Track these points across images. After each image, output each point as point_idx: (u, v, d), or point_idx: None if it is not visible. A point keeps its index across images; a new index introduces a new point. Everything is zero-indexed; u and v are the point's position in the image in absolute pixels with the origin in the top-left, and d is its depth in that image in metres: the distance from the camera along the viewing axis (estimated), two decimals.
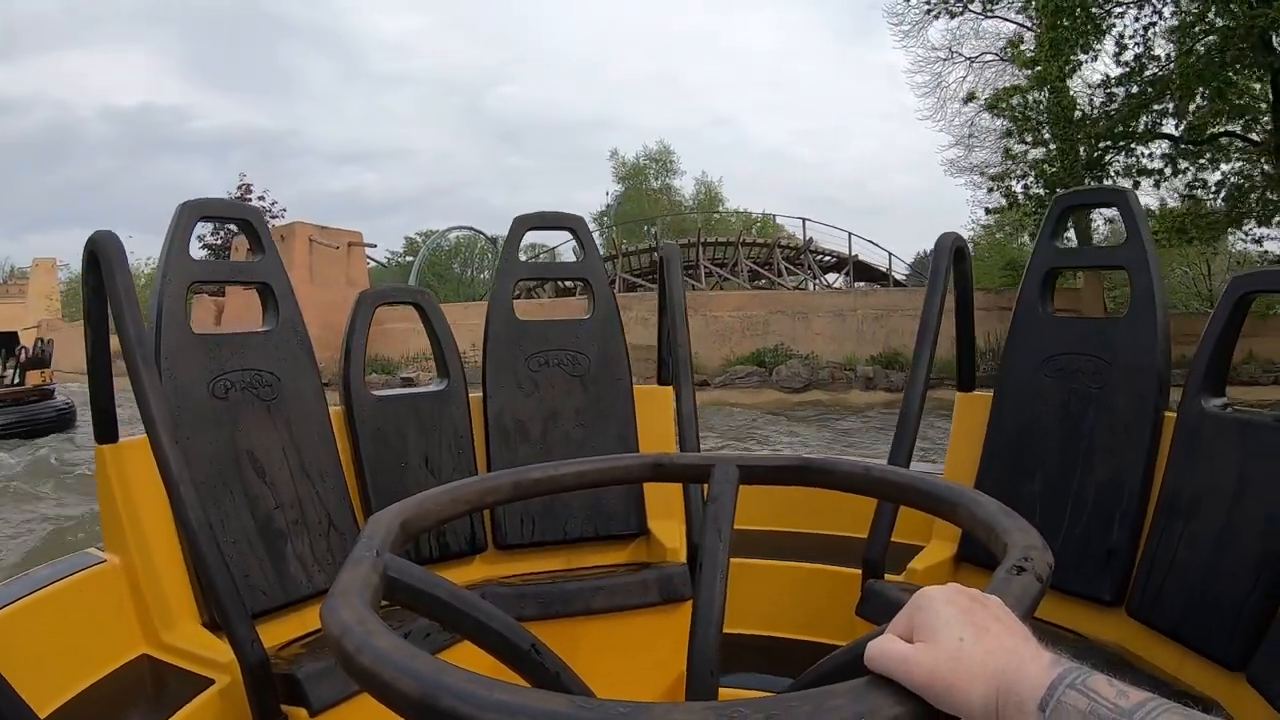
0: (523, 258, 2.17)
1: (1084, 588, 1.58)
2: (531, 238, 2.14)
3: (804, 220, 27.17)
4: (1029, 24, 18.90)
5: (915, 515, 0.98)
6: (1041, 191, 18.00)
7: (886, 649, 0.51)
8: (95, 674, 1.36)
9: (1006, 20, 19.92)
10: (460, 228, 33.63)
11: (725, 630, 0.83)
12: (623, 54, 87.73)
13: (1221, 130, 17.17)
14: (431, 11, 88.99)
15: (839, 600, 1.71)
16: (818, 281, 25.46)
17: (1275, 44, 15.42)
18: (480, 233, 32.83)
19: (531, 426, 2.01)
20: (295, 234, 21.23)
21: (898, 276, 25.99)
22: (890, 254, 25.75)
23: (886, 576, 1.67)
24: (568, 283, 15.43)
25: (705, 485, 0.91)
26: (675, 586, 1.79)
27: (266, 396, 1.66)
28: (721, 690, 0.85)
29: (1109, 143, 17.13)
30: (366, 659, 0.51)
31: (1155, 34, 16.57)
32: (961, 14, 20.17)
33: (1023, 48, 18.36)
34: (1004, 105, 18.18)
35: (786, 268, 25.32)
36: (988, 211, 20.37)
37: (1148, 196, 18.18)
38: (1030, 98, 17.76)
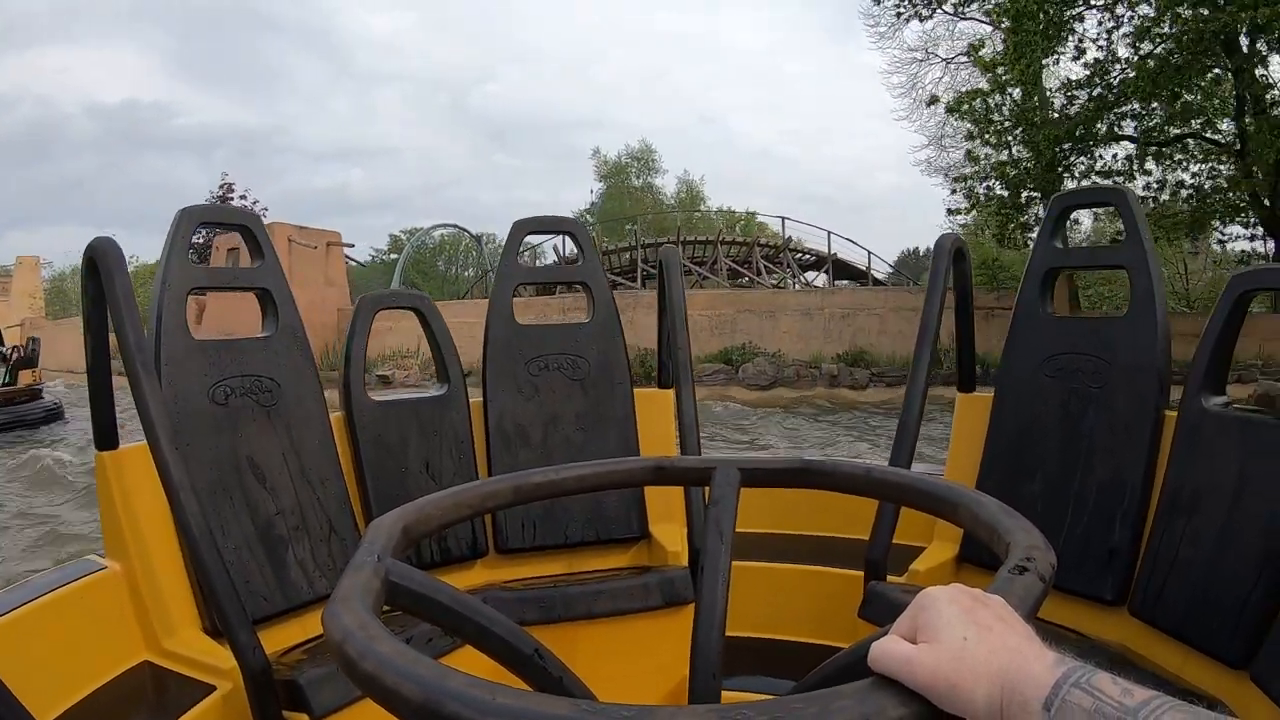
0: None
1: (1086, 587, 1.58)
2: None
3: (783, 219, 27.30)
4: (993, 26, 19.15)
5: (917, 516, 0.97)
6: (1004, 193, 18.35)
7: (890, 650, 0.50)
8: (96, 681, 1.36)
9: (980, 22, 20.17)
10: (444, 225, 33.79)
11: (727, 633, 0.83)
12: (612, 53, 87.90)
13: (1183, 133, 17.44)
14: (418, 9, 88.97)
15: (841, 602, 1.71)
16: (797, 280, 25.45)
17: (1243, 45, 15.62)
18: (465, 230, 32.93)
19: (532, 431, 2.01)
20: (274, 234, 20.94)
21: (877, 275, 25.94)
22: (870, 252, 25.70)
23: (888, 578, 1.67)
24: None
25: (706, 488, 0.91)
26: (677, 590, 1.78)
27: (266, 402, 1.66)
28: (724, 693, 0.85)
29: (1070, 145, 17.35)
30: (369, 664, 0.51)
31: (1118, 38, 16.86)
32: (930, 17, 20.51)
33: (983, 52, 18.64)
34: (966, 108, 18.52)
35: (766, 266, 25.28)
36: (949, 212, 20.63)
37: None
38: (992, 101, 18.07)
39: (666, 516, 2.01)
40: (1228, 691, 1.30)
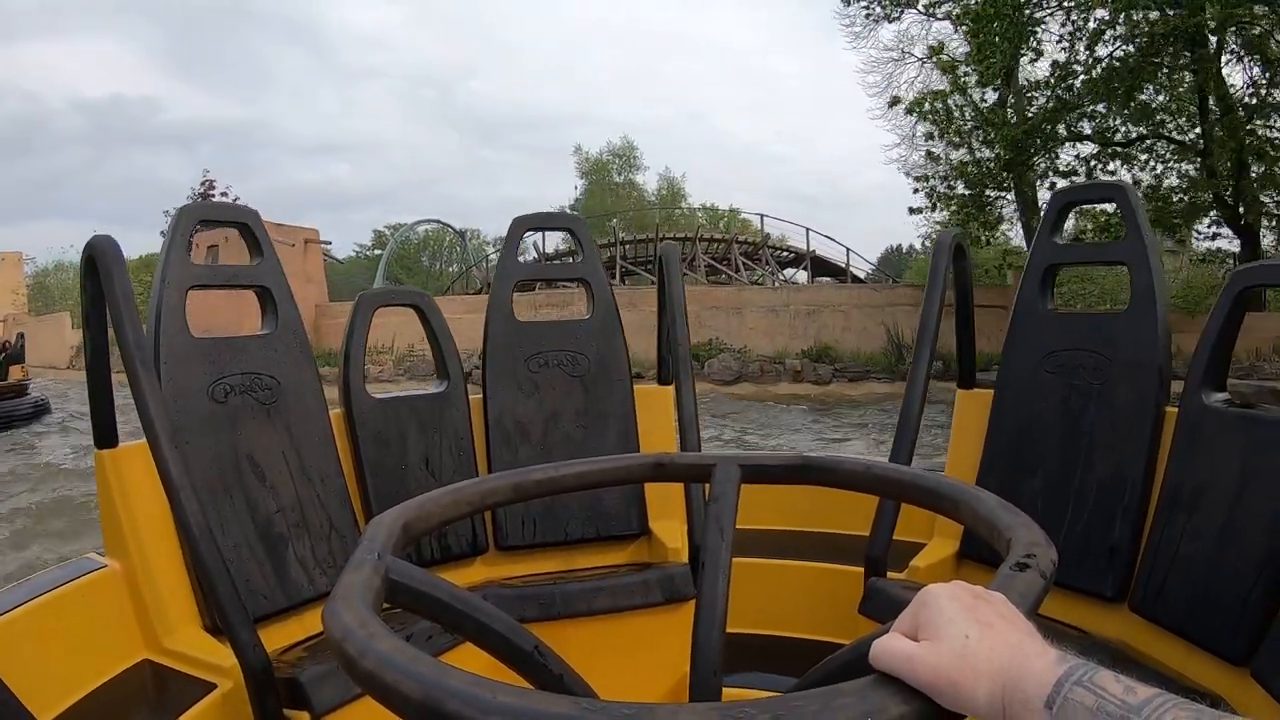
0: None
1: (1086, 584, 1.58)
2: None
3: (762, 216, 27.45)
4: (955, 28, 19.38)
5: (917, 513, 0.98)
6: (965, 192, 18.61)
7: (891, 647, 0.50)
8: (97, 679, 1.36)
9: (952, 23, 20.26)
10: (428, 221, 33.70)
11: (728, 630, 0.83)
12: (598, 49, 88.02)
13: (1142, 133, 17.61)
14: (405, 3, 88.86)
15: (841, 598, 1.71)
16: (776, 277, 25.49)
17: (1210, 44, 15.71)
18: (449, 226, 32.88)
19: (532, 427, 2.01)
20: None
21: (856, 272, 25.97)
22: (848, 249, 25.74)
23: (889, 574, 1.67)
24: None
25: (706, 485, 0.91)
26: (677, 586, 1.78)
27: (266, 400, 1.66)
28: (725, 690, 0.85)
29: (1030, 145, 17.52)
30: (369, 662, 0.51)
31: (1080, 40, 16.96)
32: (899, 19, 20.67)
33: (944, 55, 18.86)
34: (927, 108, 18.79)
35: (744, 263, 25.31)
36: (911, 211, 20.78)
37: None
38: (953, 101, 18.30)
39: (667, 513, 2.01)
40: (1228, 688, 1.30)
